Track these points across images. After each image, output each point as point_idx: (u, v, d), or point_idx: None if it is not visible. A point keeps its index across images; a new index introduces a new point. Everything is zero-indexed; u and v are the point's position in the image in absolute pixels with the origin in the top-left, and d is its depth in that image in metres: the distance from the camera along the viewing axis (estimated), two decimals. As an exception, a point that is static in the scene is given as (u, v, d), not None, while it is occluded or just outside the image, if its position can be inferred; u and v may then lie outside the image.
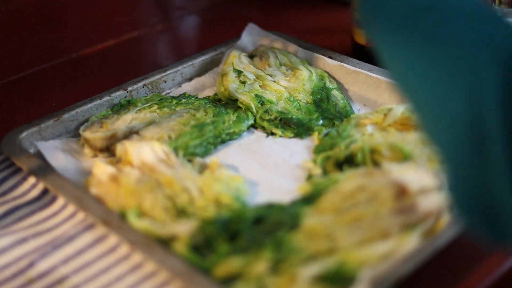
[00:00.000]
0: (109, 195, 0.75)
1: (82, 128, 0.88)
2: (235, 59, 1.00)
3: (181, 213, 0.71)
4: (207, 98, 0.97)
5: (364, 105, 0.94)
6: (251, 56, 1.03)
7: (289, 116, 0.91)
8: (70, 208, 0.76)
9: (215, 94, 0.98)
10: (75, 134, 0.90)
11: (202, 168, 0.81)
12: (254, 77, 0.98)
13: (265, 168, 0.83)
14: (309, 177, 0.79)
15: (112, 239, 0.70)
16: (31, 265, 0.68)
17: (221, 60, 1.05)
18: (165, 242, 0.68)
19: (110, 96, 0.93)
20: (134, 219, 0.69)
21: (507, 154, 0.47)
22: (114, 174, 0.76)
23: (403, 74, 0.56)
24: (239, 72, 0.98)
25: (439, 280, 0.64)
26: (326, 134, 0.87)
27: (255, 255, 0.64)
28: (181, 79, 1.02)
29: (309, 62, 1.02)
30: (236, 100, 0.94)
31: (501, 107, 0.47)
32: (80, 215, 0.74)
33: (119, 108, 0.93)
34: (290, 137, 0.89)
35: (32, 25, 1.10)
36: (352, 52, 1.06)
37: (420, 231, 0.64)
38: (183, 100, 0.95)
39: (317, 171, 0.79)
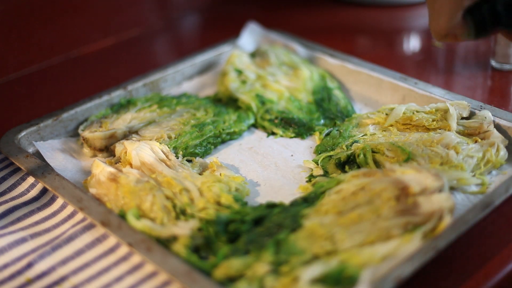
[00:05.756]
0: (108, 195, 0.74)
1: (81, 127, 0.88)
2: (236, 58, 1.00)
3: (180, 213, 0.71)
4: (207, 97, 0.97)
5: (366, 104, 0.94)
6: (252, 55, 1.03)
7: (290, 116, 0.90)
8: (69, 208, 0.75)
9: (216, 94, 0.97)
10: (74, 133, 0.90)
11: (202, 168, 0.80)
12: (255, 76, 0.97)
13: (266, 168, 0.83)
14: (310, 177, 0.79)
15: (112, 240, 0.70)
16: (29, 265, 0.68)
17: (221, 59, 1.04)
18: (164, 243, 0.67)
19: (109, 95, 0.93)
20: (134, 220, 0.69)
21: None
22: (114, 174, 0.75)
23: None
24: (239, 72, 0.98)
25: (440, 282, 0.64)
26: (327, 134, 0.87)
27: (256, 256, 0.64)
28: (181, 79, 1.01)
29: (310, 61, 1.02)
30: (237, 99, 0.93)
31: None
32: (79, 216, 0.74)
33: (119, 107, 0.92)
34: (291, 137, 0.88)
35: (31, 24, 1.10)
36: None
37: (421, 232, 0.64)
38: (183, 99, 0.94)
39: (318, 171, 0.79)
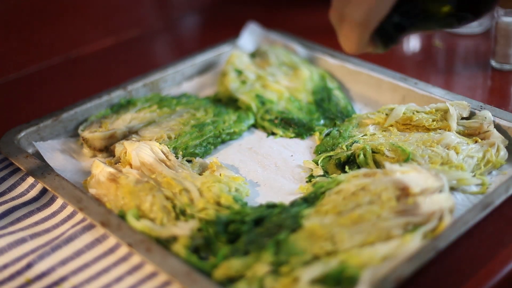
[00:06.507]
0: (108, 195, 0.74)
1: (81, 128, 0.88)
2: (236, 58, 1.00)
3: (180, 214, 0.71)
4: (207, 97, 0.97)
5: (366, 104, 0.94)
6: (252, 56, 1.03)
7: (290, 116, 0.90)
8: (69, 209, 0.75)
9: (216, 94, 0.97)
10: (74, 134, 0.90)
11: (202, 169, 0.80)
12: (255, 76, 0.97)
13: (266, 169, 0.83)
14: (310, 177, 0.79)
15: (111, 240, 0.70)
16: (29, 266, 0.68)
17: (221, 59, 1.04)
18: (164, 244, 0.67)
19: (109, 95, 0.93)
20: (133, 220, 0.69)
21: None
22: (113, 174, 0.75)
23: None
24: (239, 72, 0.98)
25: (441, 282, 0.64)
26: (327, 134, 0.87)
27: (256, 257, 0.64)
28: (181, 79, 1.01)
29: (310, 62, 1.01)
30: (237, 100, 0.93)
31: None
32: (79, 216, 0.74)
33: (119, 107, 0.92)
34: (291, 137, 0.88)
35: (31, 24, 1.10)
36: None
37: (422, 232, 0.64)
38: (183, 99, 0.94)
39: (318, 171, 0.79)
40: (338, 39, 0.68)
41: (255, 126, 0.91)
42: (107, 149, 0.85)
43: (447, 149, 0.77)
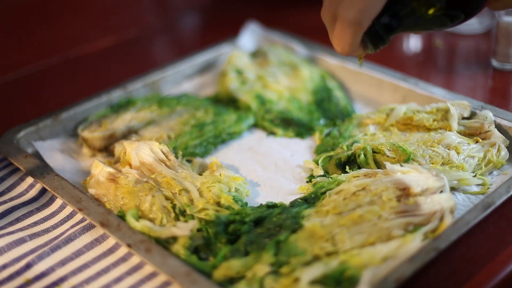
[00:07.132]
0: (107, 195, 0.74)
1: (80, 127, 0.87)
2: (236, 58, 1.00)
3: (180, 214, 0.71)
4: (207, 97, 0.97)
5: (366, 104, 0.94)
6: (252, 56, 1.03)
7: (290, 116, 0.90)
8: (68, 209, 0.75)
9: (216, 94, 0.97)
10: (74, 133, 0.90)
11: (202, 169, 0.80)
12: (255, 76, 0.97)
13: (266, 169, 0.82)
14: (311, 177, 0.79)
15: (111, 240, 0.70)
16: (28, 266, 0.68)
17: (221, 59, 1.04)
18: (164, 244, 0.67)
19: (109, 95, 0.93)
20: (133, 220, 0.69)
21: None
22: (113, 174, 0.75)
23: None
24: (239, 72, 0.98)
25: (441, 282, 0.64)
26: (328, 134, 0.87)
27: (256, 257, 0.64)
28: (181, 79, 1.01)
29: (310, 62, 1.01)
30: (237, 100, 0.93)
31: None
32: (78, 216, 0.74)
33: (119, 107, 0.92)
34: (291, 137, 0.88)
35: (30, 24, 1.09)
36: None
37: (423, 232, 0.64)
38: (183, 99, 0.94)
39: (319, 171, 0.79)
40: (330, 39, 0.68)
41: (255, 126, 0.91)
42: (106, 149, 0.85)
43: (448, 149, 0.76)
